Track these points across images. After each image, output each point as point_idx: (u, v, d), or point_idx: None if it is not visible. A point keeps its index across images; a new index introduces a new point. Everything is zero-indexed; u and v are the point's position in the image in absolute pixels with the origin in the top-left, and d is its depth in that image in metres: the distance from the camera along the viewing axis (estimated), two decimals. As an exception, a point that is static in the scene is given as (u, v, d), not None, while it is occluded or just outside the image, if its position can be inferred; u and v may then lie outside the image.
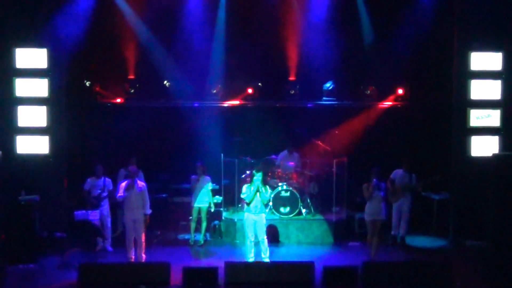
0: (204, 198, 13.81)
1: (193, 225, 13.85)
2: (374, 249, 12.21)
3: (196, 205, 13.79)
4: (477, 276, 11.47)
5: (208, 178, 13.89)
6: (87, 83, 15.04)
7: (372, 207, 12.15)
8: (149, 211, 12.10)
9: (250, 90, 15.54)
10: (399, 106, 15.63)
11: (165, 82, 15.38)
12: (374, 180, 12.08)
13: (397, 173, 13.50)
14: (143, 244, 12.11)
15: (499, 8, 13.46)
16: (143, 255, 12.12)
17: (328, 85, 15.46)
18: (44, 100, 13.11)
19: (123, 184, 12.08)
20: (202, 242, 13.85)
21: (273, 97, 15.79)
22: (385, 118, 15.70)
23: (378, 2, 15.20)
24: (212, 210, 13.97)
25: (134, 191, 11.95)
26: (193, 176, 13.87)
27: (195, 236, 13.87)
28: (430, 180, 13.44)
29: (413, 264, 11.48)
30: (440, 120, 14.99)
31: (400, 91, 15.45)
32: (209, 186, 13.86)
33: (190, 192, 13.99)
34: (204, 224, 13.84)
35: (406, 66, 15.17)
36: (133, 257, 12.06)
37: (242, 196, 12.17)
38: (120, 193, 12.00)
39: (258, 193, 11.90)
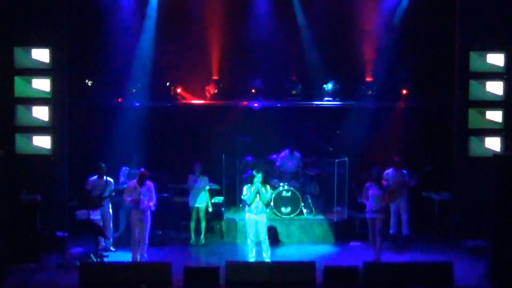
0: (202, 198, 13.82)
1: (192, 225, 13.87)
2: (378, 249, 12.21)
3: (193, 205, 13.81)
4: (477, 276, 11.48)
5: (206, 178, 13.90)
6: (89, 83, 15.03)
7: (371, 206, 12.19)
8: (153, 208, 12.13)
9: (253, 90, 15.53)
10: (407, 106, 15.61)
11: (167, 83, 15.39)
12: (369, 182, 12.17)
13: (389, 173, 13.50)
14: (146, 243, 12.12)
15: (501, 8, 13.44)
16: (145, 255, 12.13)
17: (330, 86, 15.44)
18: (47, 99, 13.11)
19: (131, 185, 12.10)
20: (204, 241, 13.85)
21: (275, 97, 15.77)
22: (386, 118, 15.68)
23: (378, 2, 15.18)
24: (210, 210, 13.98)
25: (142, 192, 11.98)
26: (191, 176, 13.89)
27: (195, 236, 13.88)
28: (422, 173, 13.44)
29: (414, 264, 11.50)
30: (441, 120, 14.98)
31: (408, 92, 15.43)
32: (207, 186, 13.87)
33: (188, 192, 14.00)
34: (203, 224, 13.86)
35: (407, 66, 15.15)
36: (138, 257, 12.07)
37: (243, 197, 12.20)
38: (127, 195, 12.04)
39: (258, 194, 11.91)
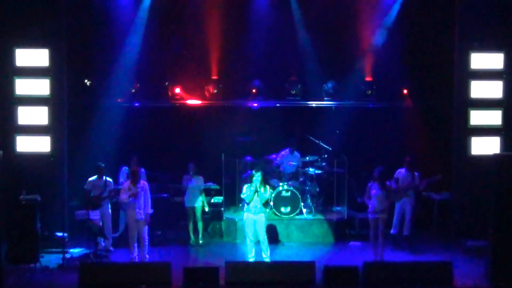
0: (198, 198, 13.80)
1: (190, 225, 13.85)
2: (381, 248, 12.21)
3: (189, 205, 13.79)
4: (477, 276, 11.48)
5: (201, 178, 13.88)
6: (88, 83, 15.03)
7: (373, 206, 12.13)
8: (150, 211, 12.10)
9: (254, 90, 15.54)
10: (406, 106, 15.62)
11: (166, 83, 15.38)
12: (371, 182, 12.14)
13: (400, 173, 13.47)
14: (147, 244, 12.10)
15: (500, 8, 13.44)
16: (146, 255, 12.12)
17: (330, 85, 15.43)
18: (46, 99, 13.12)
19: (126, 185, 12.07)
20: (201, 242, 13.85)
21: (274, 97, 15.78)
22: (386, 118, 15.69)
23: (378, 1, 15.18)
24: (207, 209, 13.97)
25: (136, 191, 11.95)
26: (185, 176, 13.87)
27: (194, 236, 13.87)
28: (433, 181, 13.42)
29: (414, 264, 11.49)
30: (441, 120, 14.98)
31: (408, 91, 15.47)
32: (202, 186, 13.85)
33: (182, 192, 13.99)
34: (200, 224, 13.85)
35: (407, 65, 15.15)
36: (136, 257, 12.05)
37: (242, 196, 12.19)
38: (123, 195, 12.00)
39: (257, 193, 11.90)
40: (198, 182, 13.82)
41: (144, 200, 12.03)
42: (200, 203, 13.83)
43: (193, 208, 13.79)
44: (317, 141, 15.08)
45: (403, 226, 13.61)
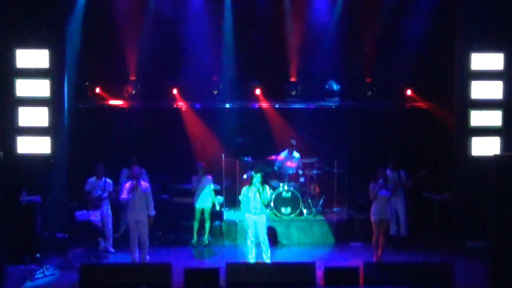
0: (207, 198, 13.78)
1: (196, 225, 13.83)
2: (381, 249, 12.19)
3: (199, 205, 13.77)
4: (478, 277, 11.48)
5: (210, 178, 13.87)
6: (87, 84, 15.03)
7: (378, 207, 12.09)
8: (153, 213, 12.06)
9: (258, 91, 15.55)
10: (407, 107, 15.63)
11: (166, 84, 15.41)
12: (380, 180, 12.07)
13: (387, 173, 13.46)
14: (147, 245, 12.09)
15: (500, 9, 13.43)
16: (147, 257, 12.11)
17: (332, 85, 15.43)
18: (46, 101, 13.11)
19: (127, 184, 12.04)
20: (207, 242, 13.84)
21: (274, 98, 15.78)
22: (387, 118, 15.69)
23: (378, 2, 15.17)
24: (218, 209, 13.95)
25: (138, 192, 11.91)
26: (194, 177, 13.85)
27: (197, 236, 13.86)
28: (418, 176, 13.43)
29: (414, 264, 11.49)
30: (441, 120, 14.98)
31: (408, 92, 15.48)
32: (211, 186, 13.85)
33: (191, 193, 13.95)
34: (207, 225, 13.84)
35: (407, 66, 15.15)
36: (137, 258, 12.04)
37: (240, 198, 12.16)
38: (124, 194, 11.96)
39: (258, 194, 11.89)
40: (207, 182, 13.78)
41: (146, 201, 11.99)
42: (209, 203, 13.78)
43: (202, 209, 13.76)
44: (316, 142, 15.08)
45: (400, 226, 13.63)
